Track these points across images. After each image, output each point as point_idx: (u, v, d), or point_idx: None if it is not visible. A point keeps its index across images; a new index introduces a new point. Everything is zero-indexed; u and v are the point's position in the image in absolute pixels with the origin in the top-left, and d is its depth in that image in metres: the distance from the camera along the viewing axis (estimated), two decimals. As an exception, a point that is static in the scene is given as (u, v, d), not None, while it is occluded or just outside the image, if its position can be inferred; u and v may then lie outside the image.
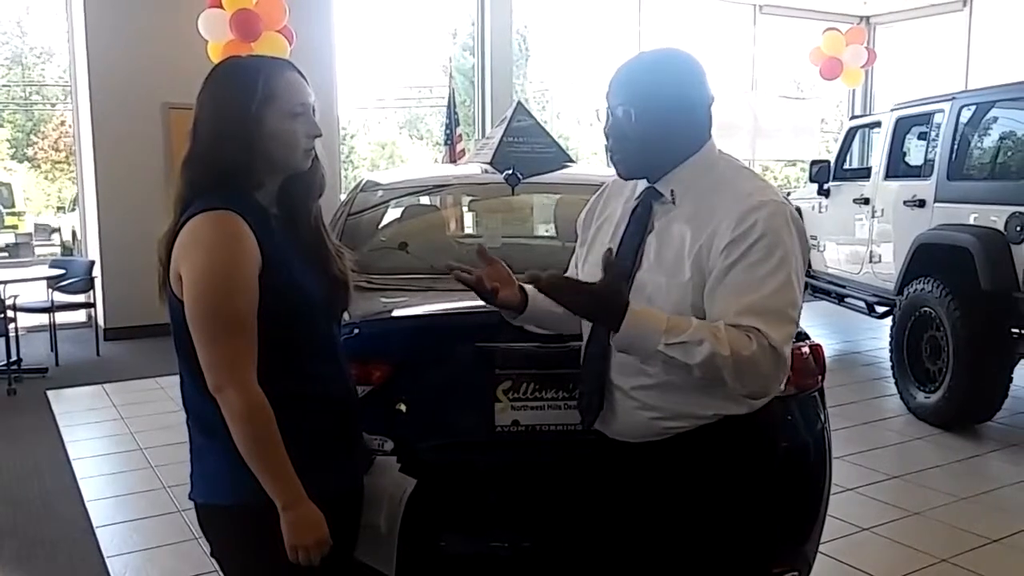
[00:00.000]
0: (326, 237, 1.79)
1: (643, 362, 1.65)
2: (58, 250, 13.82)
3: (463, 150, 8.06)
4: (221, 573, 1.76)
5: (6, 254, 15.01)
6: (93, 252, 7.89)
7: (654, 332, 1.56)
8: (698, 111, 1.75)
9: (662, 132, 1.71)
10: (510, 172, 3.06)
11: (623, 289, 1.62)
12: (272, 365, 1.58)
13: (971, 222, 4.98)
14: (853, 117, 9.28)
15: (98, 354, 7.22)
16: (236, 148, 1.60)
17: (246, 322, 1.54)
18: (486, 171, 3.32)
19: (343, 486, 1.72)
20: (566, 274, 2.02)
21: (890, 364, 5.60)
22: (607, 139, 1.77)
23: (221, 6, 6.70)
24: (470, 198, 3.81)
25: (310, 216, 1.75)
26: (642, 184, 1.81)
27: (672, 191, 1.74)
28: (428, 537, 2.13)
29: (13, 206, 16.28)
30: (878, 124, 6.57)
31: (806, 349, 2.36)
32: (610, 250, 1.65)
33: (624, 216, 1.82)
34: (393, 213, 3.59)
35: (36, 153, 18.18)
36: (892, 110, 6.25)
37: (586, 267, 1.90)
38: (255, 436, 1.54)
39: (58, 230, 14.69)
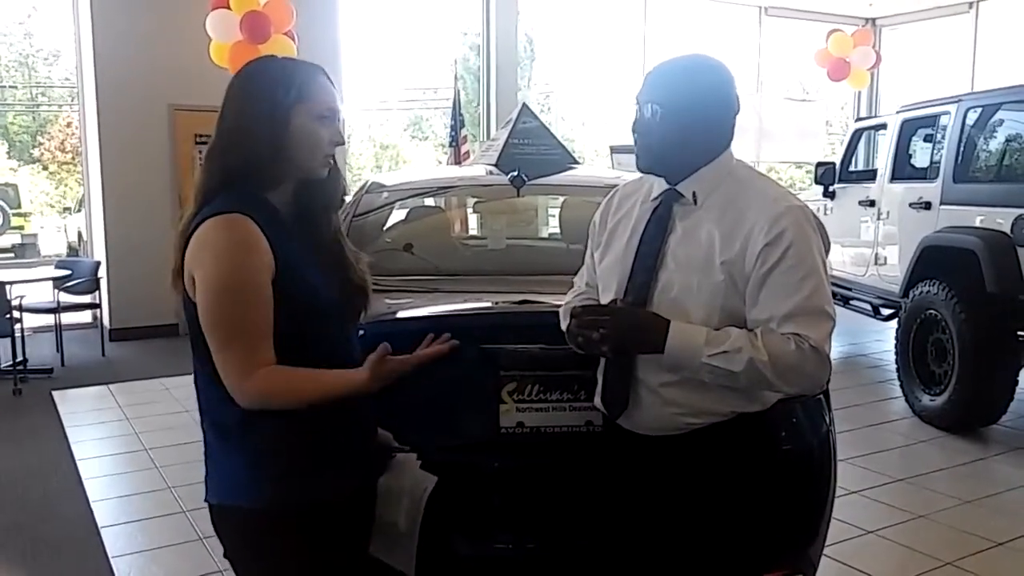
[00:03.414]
0: (345, 245, 1.80)
1: (692, 375, 1.69)
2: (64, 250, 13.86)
3: (468, 152, 8.06)
4: (233, 574, 1.76)
5: (12, 255, 15.05)
6: (99, 253, 7.91)
7: (696, 345, 1.64)
8: (723, 118, 1.79)
9: (685, 134, 1.75)
10: (515, 174, 3.06)
11: (654, 314, 1.71)
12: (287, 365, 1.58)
13: (977, 224, 4.97)
14: (859, 119, 9.28)
15: (103, 355, 7.24)
16: (262, 144, 1.60)
17: (259, 326, 1.55)
18: (491, 173, 3.33)
19: (356, 486, 1.72)
20: (579, 280, 2.04)
21: (895, 367, 5.59)
22: (634, 133, 1.81)
23: (228, 7, 6.72)
24: (475, 200, 3.81)
25: (330, 226, 1.76)
26: (658, 186, 1.83)
27: (694, 193, 1.77)
28: (440, 536, 2.13)
29: (19, 207, 16.33)
30: (884, 126, 6.56)
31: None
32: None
33: (643, 216, 1.84)
34: (398, 215, 3.59)
35: (42, 154, 18.23)
36: (898, 112, 6.24)
37: (602, 270, 1.92)
38: (296, 398, 1.58)
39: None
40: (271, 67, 1.68)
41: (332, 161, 1.71)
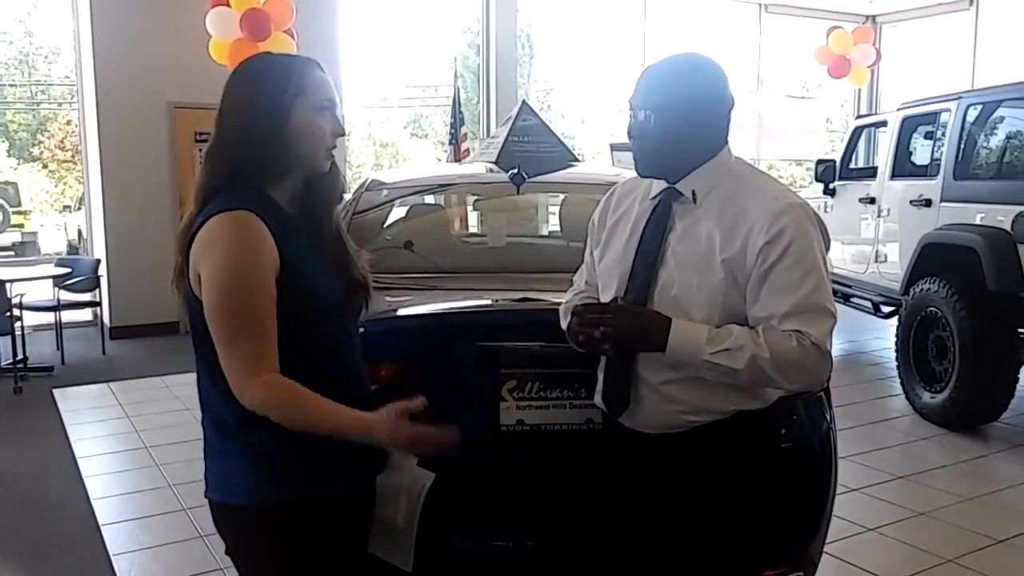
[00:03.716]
0: (346, 241, 1.80)
1: (694, 373, 1.69)
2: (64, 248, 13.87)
3: (468, 149, 8.06)
4: (236, 571, 1.76)
5: (12, 253, 15.07)
6: (99, 251, 7.91)
7: (698, 343, 1.65)
8: (717, 117, 1.79)
9: (680, 136, 1.75)
10: (515, 171, 3.06)
11: (655, 312, 1.72)
12: (287, 365, 1.58)
13: (977, 222, 4.97)
14: (859, 116, 9.26)
15: (104, 353, 7.24)
16: (264, 139, 1.60)
17: (265, 324, 1.55)
18: (491, 170, 3.33)
19: (356, 490, 1.72)
20: (579, 279, 2.04)
21: (896, 364, 5.59)
22: (630, 138, 1.81)
23: (228, 5, 6.71)
24: (475, 197, 3.81)
25: (331, 221, 1.76)
26: (657, 184, 1.83)
27: (693, 191, 1.77)
28: (439, 533, 2.13)
29: (19, 205, 16.37)
30: (884, 123, 6.56)
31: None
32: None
33: (642, 215, 1.84)
34: (398, 212, 3.59)
35: (42, 152, 18.26)
36: (898, 109, 6.24)
37: (602, 269, 1.92)
38: (295, 416, 1.55)
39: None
40: (267, 64, 1.68)
41: (334, 155, 1.71)
